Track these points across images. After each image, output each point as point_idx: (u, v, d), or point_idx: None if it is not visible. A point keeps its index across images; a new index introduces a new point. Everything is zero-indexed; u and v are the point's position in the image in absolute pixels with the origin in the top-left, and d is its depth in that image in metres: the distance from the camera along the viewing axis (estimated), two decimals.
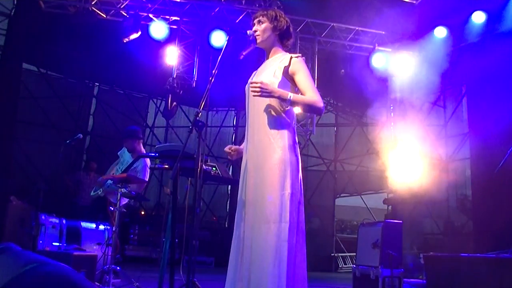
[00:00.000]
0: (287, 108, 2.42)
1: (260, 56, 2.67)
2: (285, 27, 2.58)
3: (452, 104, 10.18)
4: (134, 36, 7.76)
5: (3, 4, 9.28)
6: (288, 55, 2.51)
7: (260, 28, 2.55)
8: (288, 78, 2.44)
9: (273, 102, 2.41)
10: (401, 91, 9.40)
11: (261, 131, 2.40)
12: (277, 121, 2.39)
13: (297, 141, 2.46)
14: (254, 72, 2.62)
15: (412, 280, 5.25)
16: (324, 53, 8.77)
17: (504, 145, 5.04)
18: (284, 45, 2.61)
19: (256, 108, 2.46)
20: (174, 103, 8.13)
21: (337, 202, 13.28)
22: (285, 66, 2.44)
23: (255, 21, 2.59)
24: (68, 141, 4.68)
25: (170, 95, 8.04)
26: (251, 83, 2.31)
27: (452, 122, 10.12)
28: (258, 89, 2.28)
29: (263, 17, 2.56)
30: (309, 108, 2.41)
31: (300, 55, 2.52)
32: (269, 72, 2.46)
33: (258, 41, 2.54)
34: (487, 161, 6.84)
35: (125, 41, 7.71)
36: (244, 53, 2.62)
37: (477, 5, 7.55)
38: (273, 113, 2.40)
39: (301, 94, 2.42)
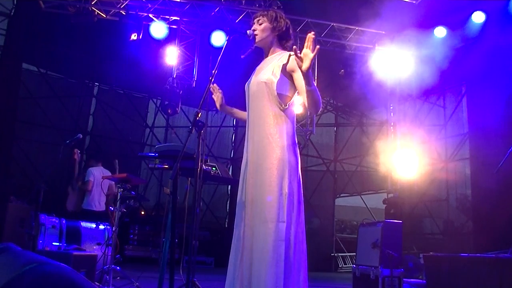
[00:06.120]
0: (286, 107, 2.41)
1: (259, 56, 2.66)
2: (284, 28, 2.56)
3: (452, 104, 10.19)
4: (133, 37, 7.76)
5: (3, 4, 9.27)
6: (286, 53, 2.49)
7: (259, 28, 2.54)
8: (287, 76, 2.42)
9: (273, 101, 2.40)
10: (401, 91, 9.42)
11: (260, 131, 2.39)
12: (276, 121, 2.38)
13: (296, 141, 2.45)
14: (254, 71, 2.62)
15: (412, 280, 5.24)
16: (324, 53, 8.77)
17: (504, 145, 5.03)
18: (283, 46, 2.59)
19: (256, 108, 2.45)
20: (180, 105, 8.16)
21: (337, 202, 13.29)
22: (283, 64, 2.42)
23: (255, 20, 2.58)
24: (68, 141, 4.68)
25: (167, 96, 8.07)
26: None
27: (452, 122, 10.12)
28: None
29: (263, 17, 2.55)
30: (316, 101, 2.31)
31: (299, 52, 2.49)
32: (268, 70, 2.45)
33: (256, 40, 2.54)
34: (487, 161, 6.84)
35: (132, 39, 7.71)
36: (243, 56, 2.62)
37: (477, 5, 7.56)
38: (272, 112, 2.39)
39: (299, 91, 2.40)
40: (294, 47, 2.20)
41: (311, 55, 2.15)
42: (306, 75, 2.21)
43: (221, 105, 2.79)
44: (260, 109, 2.42)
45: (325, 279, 8.75)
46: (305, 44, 2.17)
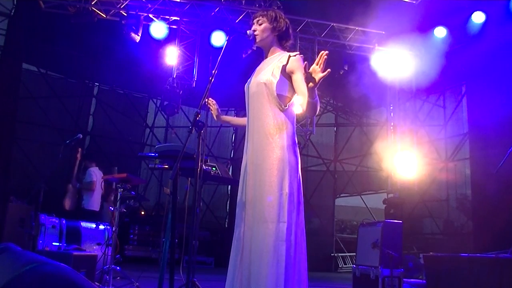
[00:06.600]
0: (286, 108, 2.42)
1: (259, 56, 2.66)
2: (284, 28, 2.57)
3: (452, 104, 10.19)
4: (136, 37, 7.76)
5: (3, 4, 9.28)
6: (286, 54, 2.50)
7: (259, 28, 2.54)
8: (286, 77, 2.43)
9: (273, 102, 2.40)
10: (401, 91, 9.42)
11: (260, 131, 2.40)
12: (276, 121, 2.38)
13: (296, 141, 2.45)
14: (253, 72, 2.62)
15: (412, 280, 5.24)
16: None
17: (504, 145, 5.03)
18: (283, 46, 2.60)
19: (256, 108, 2.45)
20: (180, 105, 8.18)
21: (337, 202, 13.29)
22: (283, 65, 2.43)
23: (255, 20, 2.58)
24: (68, 141, 4.68)
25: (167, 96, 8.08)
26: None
27: (452, 122, 10.12)
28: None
29: (262, 17, 2.55)
30: (314, 109, 2.36)
31: (298, 53, 2.50)
32: (267, 71, 2.45)
33: (256, 40, 2.54)
34: (487, 161, 6.85)
35: (133, 36, 7.69)
36: (244, 55, 2.63)
37: (477, 5, 7.56)
38: (272, 113, 2.39)
39: (297, 92, 2.42)
40: (306, 62, 2.22)
41: (320, 75, 2.18)
42: (311, 89, 2.24)
43: (217, 116, 2.90)
44: (260, 110, 2.42)
45: (325, 279, 8.75)
46: (317, 61, 2.19)
